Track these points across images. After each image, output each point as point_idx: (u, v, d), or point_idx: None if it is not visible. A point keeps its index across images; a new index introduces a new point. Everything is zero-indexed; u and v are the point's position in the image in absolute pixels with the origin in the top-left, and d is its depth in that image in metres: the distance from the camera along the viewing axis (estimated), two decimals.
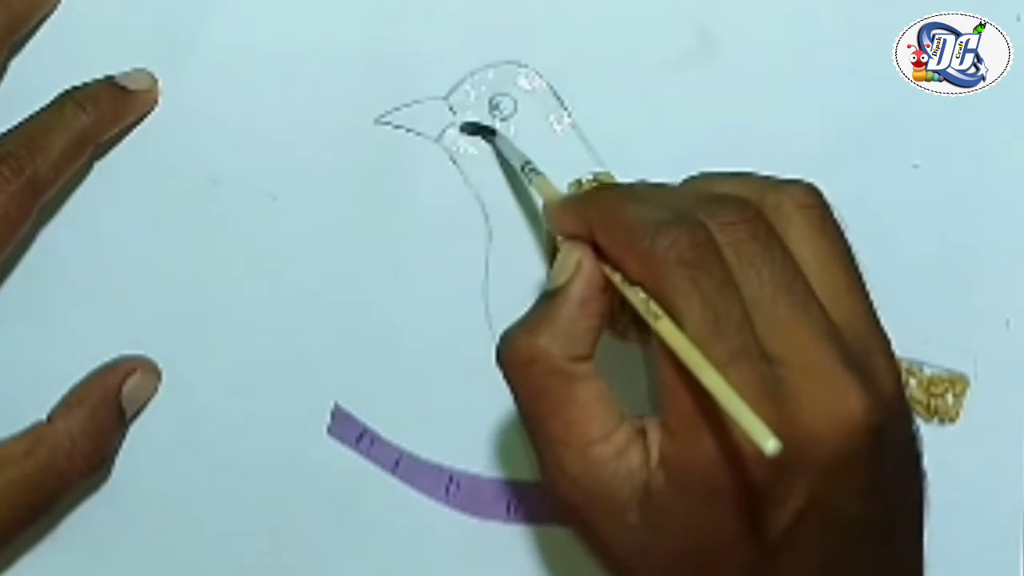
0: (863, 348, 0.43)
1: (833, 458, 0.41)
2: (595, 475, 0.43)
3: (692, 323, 0.41)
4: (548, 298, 0.45)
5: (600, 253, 0.45)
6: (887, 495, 0.43)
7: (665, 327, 0.41)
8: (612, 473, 0.43)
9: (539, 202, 0.52)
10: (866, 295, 0.45)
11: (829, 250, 0.44)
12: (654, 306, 0.42)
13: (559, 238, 0.47)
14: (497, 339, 0.45)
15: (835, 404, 0.41)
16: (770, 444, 0.37)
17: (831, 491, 0.42)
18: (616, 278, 0.44)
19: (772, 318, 0.42)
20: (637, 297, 0.42)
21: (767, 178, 0.47)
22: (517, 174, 0.54)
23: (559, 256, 0.46)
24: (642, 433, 0.43)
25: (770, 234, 0.43)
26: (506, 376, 0.45)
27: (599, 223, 0.45)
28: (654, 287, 0.42)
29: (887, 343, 0.44)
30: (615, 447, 0.43)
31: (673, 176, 0.56)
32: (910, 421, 0.45)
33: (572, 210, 0.46)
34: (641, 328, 0.50)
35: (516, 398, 0.45)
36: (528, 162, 0.52)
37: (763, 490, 0.41)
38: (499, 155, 0.56)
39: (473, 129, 0.56)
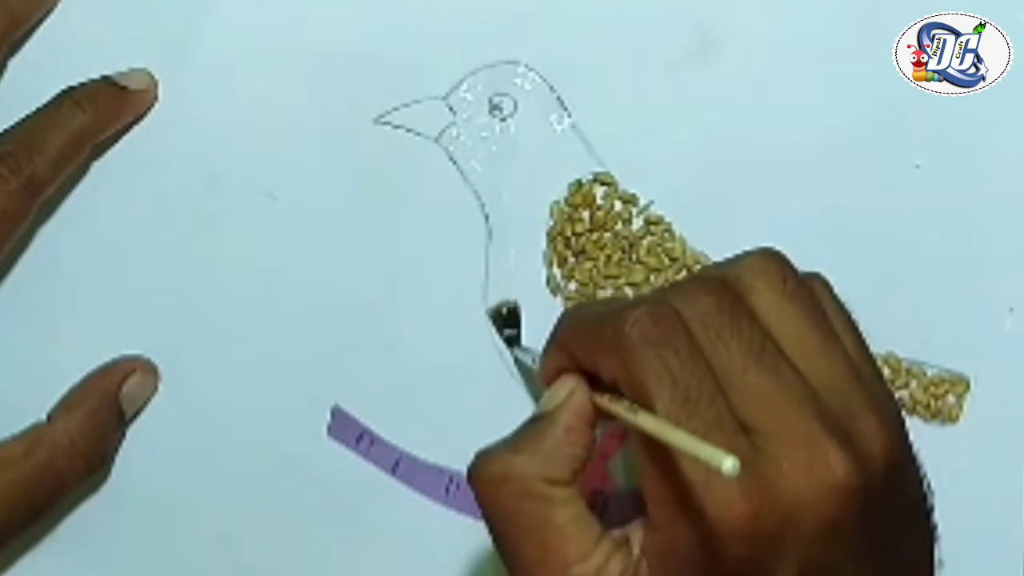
0: (845, 409, 0.42)
1: (819, 524, 0.40)
2: None
3: (663, 402, 0.40)
4: (533, 423, 0.44)
5: (592, 384, 0.44)
6: (884, 555, 0.42)
7: (642, 419, 0.40)
8: None
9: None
10: (844, 354, 0.43)
11: (797, 314, 0.43)
12: (633, 406, 0.41)
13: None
14: (472, 457, 0.45)
15: (816, 470, 0.40)
16: (728, 463, 0.36)
17: (821, 556, 0.41)
18: (605, 400, 0.43)
19: (745, 388, 0.41)
20: (619, 407, 0.42)
21: (723, 261, 0.46)
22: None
23: (553, 386, 0.45)
24: (622, 543, 0.43)
25: (736, 304, 0.42)
26: (478, 494, 0.44)
27: (569, 336, 0.45)
28: (624, 374, 0.41)
29: (875, 399, 0.43)
30: (594, 566, 0.42)
31: (673, 176, 0.56)
32: (909, 477, 0.44)
33: (549, 348, 0.46)
34: None
35: (487, 518, 0.44)
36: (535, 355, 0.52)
37: (752, 566, 0.41)
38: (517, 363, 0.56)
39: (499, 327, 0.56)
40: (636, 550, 0.42)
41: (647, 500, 0.42)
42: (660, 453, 0.41)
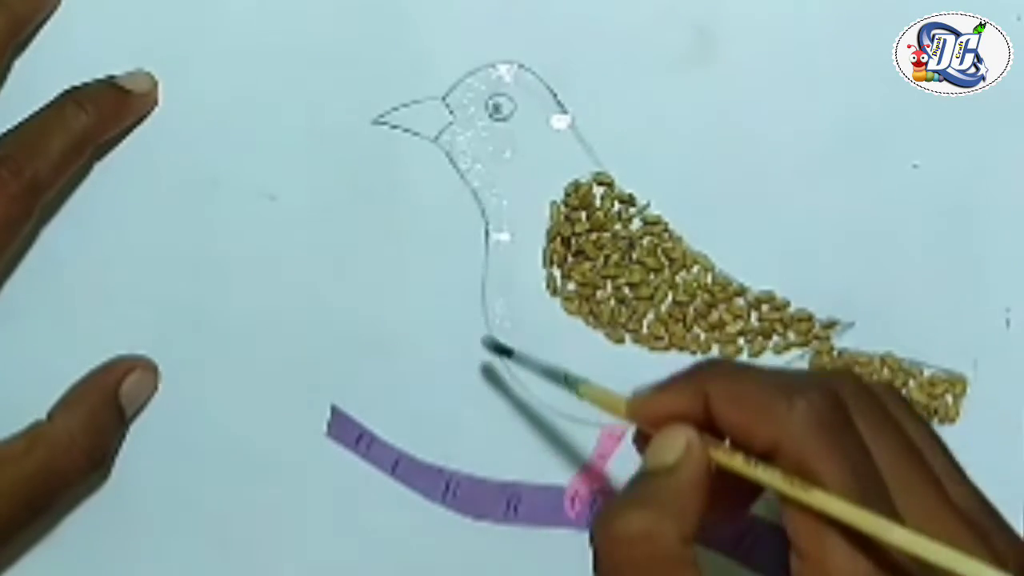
0: (982, 521, 0.42)
1: None
2: None
3: (843, 486, 0.40)
4: (654, 476, 0.42)
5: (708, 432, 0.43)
6: None
7: (819, 497, 0.39)
8: None
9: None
10: (971, 481, 0.43)
11: (929, 435, 0.43)
12: (797, 480, 0.40)
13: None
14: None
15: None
16: None
17: None
18: (738, 461, 0.41)
19: (905, 488, 0.41)
20: (773, 476, 0.41)
21: None
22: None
23: (660, 436, 0.43)
24: None
25: (885, 406, 0.43)
26: (605, 552, 0.41)
27: (721, 395, 0.42)
28: (793, 453, 0.40)
29: (1003, 521, 0.43)
30: None
31: (671, 176, 0.56)
32: None
33: (679, 389, 0.44)
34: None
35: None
36: (569, 374, 0.50)
37: None
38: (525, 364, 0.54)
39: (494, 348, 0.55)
40: None
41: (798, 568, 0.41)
42: (830, 536, 0.40)
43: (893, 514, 0.40)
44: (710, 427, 0.42)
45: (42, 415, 0.54)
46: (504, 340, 0.55)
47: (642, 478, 0.43)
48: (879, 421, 0.42)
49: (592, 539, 0.42)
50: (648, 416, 0.44)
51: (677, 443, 0.42)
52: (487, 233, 0.56)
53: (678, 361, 0.55)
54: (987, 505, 0.43)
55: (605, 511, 0.42)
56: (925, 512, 0.41)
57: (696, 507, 0.42)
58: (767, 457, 0.41)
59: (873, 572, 0.40)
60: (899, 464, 0.41)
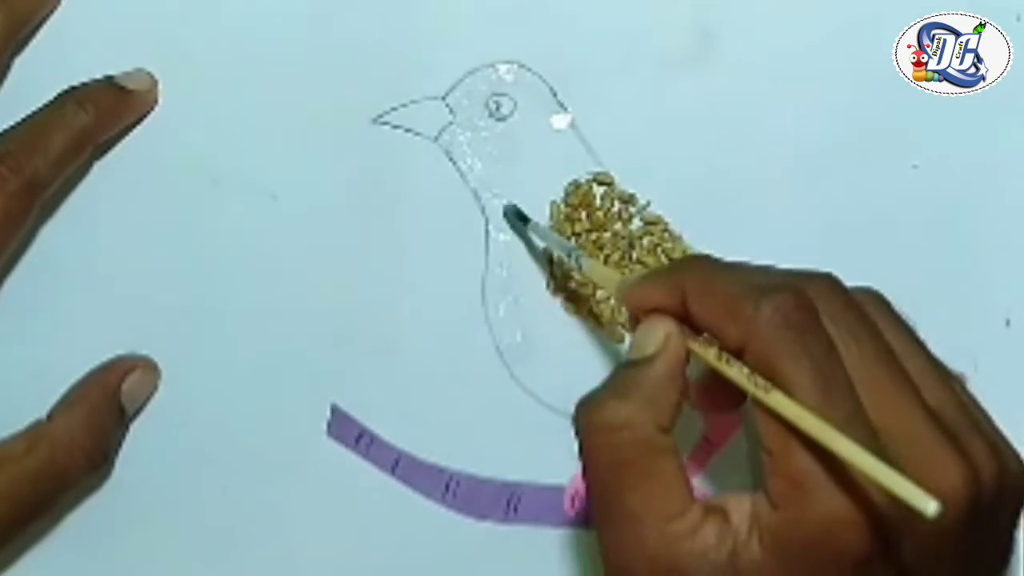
0: (957, 426, 0.42)
1: (930, 529, 0.40)
2: (674, 552, 0.42)
3: (803, 389, 0.40)
4: (633, 367, 0.44)
5: (687, 325, 0.44)
6: (973, 569, 0.43)
7: (777, 399, 0.40)
8: (688, 551, 0.42)
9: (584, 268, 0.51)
10: (954, 385, 0.44)
11: (911, 341, 0.44)
12: (760, 379, 0.41)
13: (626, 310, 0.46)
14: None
15: (936, 476, 0.40)
16: (931, 507, 0.37)
17: (922, 563, 0.41)
18: (711, 353, 0.43)
19: (874, 388, 0.41)
20: (740, 373, 0.42)
21: None
22: (561, 261, 0.54)
23: (642, 327, 0.45)
24: (716, 511, 0.42)
25: (860, 308, 0.43)
26: (586, 442, 0.43)
27: (695, 291, 0.44)
28: (759, 353, 0.41)
29: (980, 423, 0.44)
30: (690, 523, 0.42)
31: (672, 176, 0.56)
32: (1010, 496, 0.44)
33: (659, 282, 0.45)
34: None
35: (591, 466, 0.44)
36: (574, 248, 0.52)
37: (862, 563, 0.41)
38: (527, 242, 0.56)
39: (513, 215, 0.55)
40: (736, 520, 0.42)
41: (768, 475, 0.42)
42: (790, 433, 0.40)
43: (857, 414, 0.41)
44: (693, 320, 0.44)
45: (42, 415, 0.54)
46: (504, 340, 0.55)
47: (622, 368, 0.45)
48: (852, 323, 0.42)
49: (575, 428, 0.44)
50: (632, 302, 0.46)
51: (656, 335, 0.44)
52: (487, 233, 0.56)
53: None
54: (969, 412, 0.44)
55: (587, 401, 0.44)
56: (893, 413, 0.41)
57: (671, 397, 0.43)
58: (738, 355, 0.42)
59: (834, 472, 0.40)
60: (869, 366, 0.42)
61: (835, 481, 0.40)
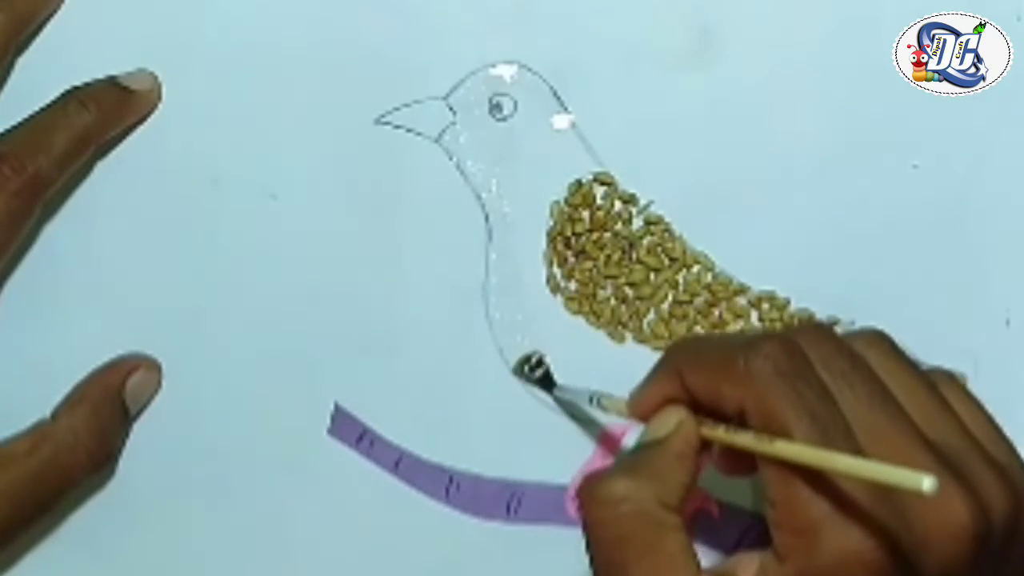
0: (961, 461, 0.42)
1: (938, 566, 0.41)
2: None
3: (802, 433, 0.41)
4: (644, 448, 0.45)
5: (696, 409, 0.45)
6: None
7: (781, 447, 0.41)
8: None
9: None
10: (959, 419, 0.44)
11: (911, 378, 0.44)
12: (764, 436, 0.41)
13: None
14: (576, 480, 0.45)
15: (942, 512, 0.41)
16: (927, 483, 0.37)
17: None
18: (720, 431, 0.43)
19: (871, 429, 0.42)
20: (745, 437, 0.42)
21: None
22: (587, 410, 0.55)
23: (655, 417, 0.46)
24: None
25: (854, 352, 0.44)
26: (588, 516, 0.44)
27: (687, 363, 0.45)
28: (756, 406, 0.42)
29: (995, 458, 0.44)
30: None
31: (673, 176, 0.56)
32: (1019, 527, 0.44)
33: (655, 376, 0.46)
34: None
35: (595, 541, 0.44)
36: (594, 393, 0.52)
37: None
38: (559, 401, 0.56)
39: (531, 379, 0.56)
40: None
41: (775, 529, 0.42)
42: (795, 482, 0.41)
43: (857, 454, 0.41)
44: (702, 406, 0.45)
45: (45, 414, 0.54)
46: (504, 340, 0.55)
47: (631, 451, 0.45)
48: (844, 367, 0.43)
49: (579, 503, 0.44)
50: (641, 409, 0.47)
51: (668, 421, 0.45)
52: (488, 232, 0.56)
53: None
54: (976, 444, 0.44)
55: (591, 476, 0.44)
56: (893, 452, 0.41)
57: (680, 477, 0.44)
58: (740, 416, 0.43)
59: (835, 511, 0.41)
60: (864, 408, 0.42)
61: (839, 522, 0.40)
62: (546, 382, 0.55)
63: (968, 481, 0.42)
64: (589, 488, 0.44)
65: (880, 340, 0.45)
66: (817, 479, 0.41)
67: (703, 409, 0.45)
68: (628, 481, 0.43)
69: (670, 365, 0.46)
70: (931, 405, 0.44)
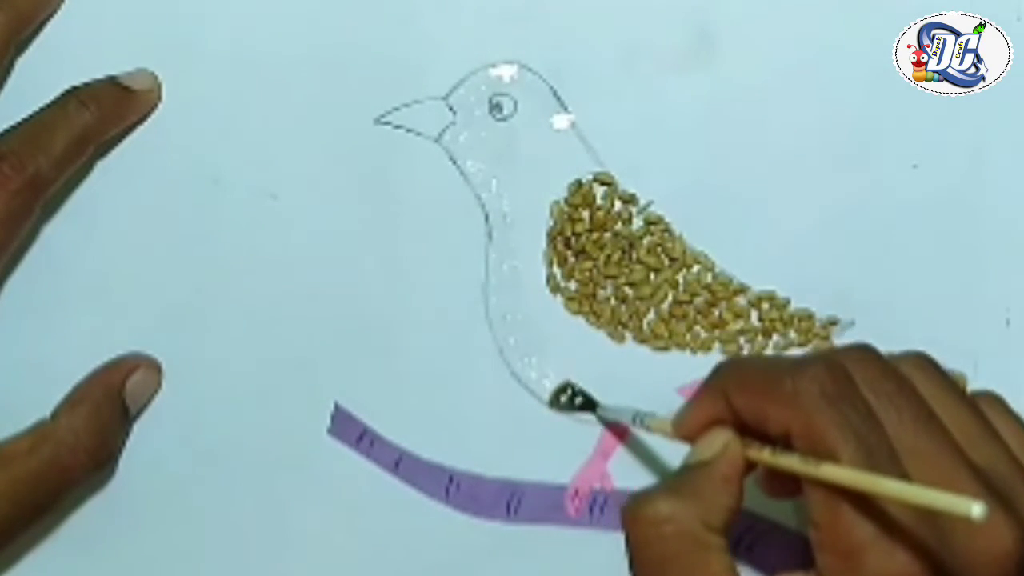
0: (1006, 486, 0.43)
1: None
2: None
3: (848, 457, 0.41)
4: (689, 469, 0.45)
5: (742, 430, 0.45)
6: None
7: (824, 469, 0.41)
8: None
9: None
10: (1004, 443, 0.44)
11: (957, 401, 0.44)
12: (810, 459, 0.42)
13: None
14: (624, 502, 0.45)
15: (987, 538, 0.41)
16: (976, 509, 0.37)
17: None
18: (765, 454, 0.44)
19: (916, 453, 0.42)
20: (792, 460, 0.42)
21: None
22: (632, 427, 0.54)
23: (701, 438, 0.46)
24: None
25: (900, 375, 0.44)
26: (631, 535, 0.44)
27: (734, 385, 0.45)
28: (802, 428, 0.42)
29: None
30: None
31: (673, 176, 0.56)
32: None
33: (701, 397, 0.46)
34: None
35: (638, 561, 0.44)
36: (637, 412, 0.52)
37: None
38: (602, 420, 0.56)
39: (573, 407, 0.56)
40: None
41: (820, 551, 0.42)
42: (840, 505, 0.41)
43: (902, 478, 0.41)
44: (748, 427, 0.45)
45: (45, 414, 0.54)
46: (504, 340, 0.55)
47: (676, 472, 0.46)
48: (890, 389, 0.43)
49: (622, 522, 0.44)
50: (686, 430, 0.47)
51: (715, 443, 0.45)
52: (488, 232, 0.56)
53: (679, 360, 0.56)
54: (1013, 465, 0.44)
55: (636, 496, 0.45)
56: (938, 476, 0.41)
57: (724, 500, 0.44)
58: (786, 438, 0.43)
59: (880, 534, 0.41)
60: (910, 431, 0.42)
61: (884, 545, 0.41)
62: (587, 405, 0.55)
63: (1014, 507, 0.42)
64: (633, 507, 0.44)
65: (926, 363, 0.45)
66: (862, 502, 0.41)
67: (749, 430, 0.45)
68: (672, 501, 0.44)
69: (716, 386, 0.46)
70: (977, 429, 0.44)
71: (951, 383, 0.45)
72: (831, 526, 0.42)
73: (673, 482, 0.45)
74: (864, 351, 0.44)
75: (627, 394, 0.55)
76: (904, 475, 0.41)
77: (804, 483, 0.42)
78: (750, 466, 0.45)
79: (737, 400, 0.45)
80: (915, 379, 0.44)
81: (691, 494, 0.44)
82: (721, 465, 0.45)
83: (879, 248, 0.55)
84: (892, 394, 0.43)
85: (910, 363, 0.45)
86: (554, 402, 0.56)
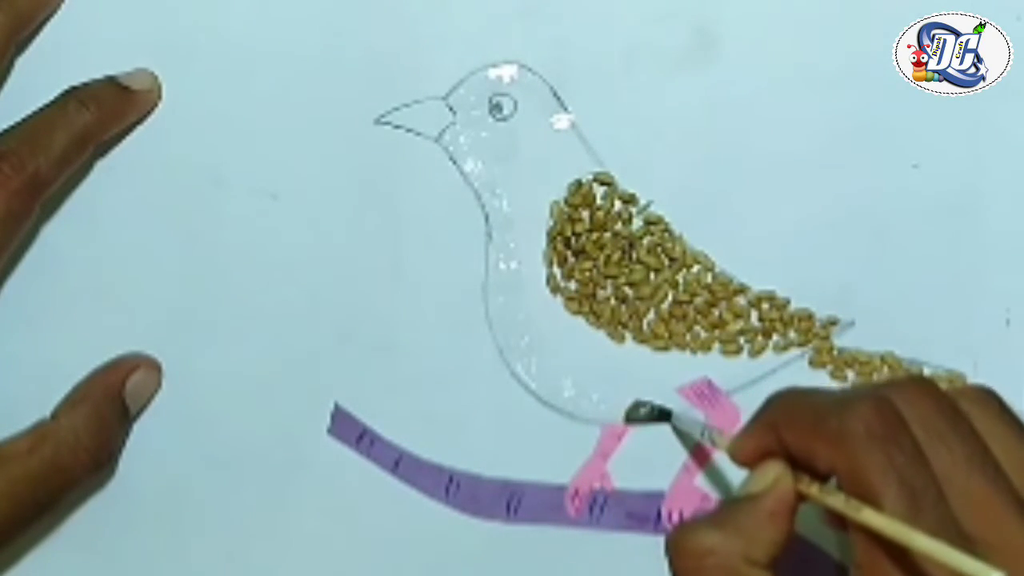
0: None
1: None
2: None
3: (889, 500, 0.40)
4: (736, 503, 0.45)
5: (793, 465, 0.45)
6: None
7: (867, 516, 0.41)
8: None
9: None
10: None
11: (1018, 442, 0.43)
12: (853, 501, 0.41)
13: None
14: (669, 532, 0.45)
15: None
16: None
17: None
18: (813, 489, 0.43)
19: (966, 495, 0.41)
20: (837, 499, 0.42)
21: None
22: (699, 440, 0.54)
23: (755, 470, 0.46)
24: None
25: (956, 411, 0.43)
26: (674, 565, 0.44)
27: (784, 419, 0.44)
28: (846, 467, 0.42)
29: None
30: None
31: (673, 176, 0.56)
32: None
33: (753, 427, 0.46)
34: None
35: None
36: (705, 426, 0.52)
37: None
38: (676, 430, 0.56)
39: (650, 419, 0.56)
40: None
41: None
42: (880, 551, 0.41)
43: (945, 522, 0.40)
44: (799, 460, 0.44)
45: (45, 414, 0.54)
46: (504, 340, 0.55)
47: (725, 504, 0.46)
48: (941, 427, 0.42)
49: (666, 551, 0.44)
50: (740, 458, 0.47)
51: (766, 476, 0.45)
52: (488, 233, 0.56)
53: (679, 360, 0.56)
54: None
55: (682, 526, 0.45)
56: (989, 519, 0.41)
57: (770, 535, 0.44)
58: (833, 475, 0.42)
59: None
60: (961, 470, 0.41)
61: None
62: (663, 416, 0.55)
63: None
64: (677, 538, 0.44)
65: (988, 399, 0.44)
66: (902, 550, 0.40)
67: (800, 463, 0.44)
68: (716, 534, 0.43)
69: (767, 418, 0.45)
70: None
71: (1014, 420, 0.44)
72: (870, 570, 0.41)
73: (719, 514, 0.45)
74: (920, 385, 0.43)
75: (627, 394, 0.55)
76: (950, 520, 0.40)
77: (849, 521, 0.42)
78: (803, 497, 0.44)
79: (786, 435, 0.44)
80: (973, 416, 0.43)
81: (735, 528, 0.44)
82: (768, 500, 0.44)
83: (879, 248, 0.55)
84: (944, 432, 0.42)
85: (969, 397, 0.44)
86: (632, 416, 0.56)
